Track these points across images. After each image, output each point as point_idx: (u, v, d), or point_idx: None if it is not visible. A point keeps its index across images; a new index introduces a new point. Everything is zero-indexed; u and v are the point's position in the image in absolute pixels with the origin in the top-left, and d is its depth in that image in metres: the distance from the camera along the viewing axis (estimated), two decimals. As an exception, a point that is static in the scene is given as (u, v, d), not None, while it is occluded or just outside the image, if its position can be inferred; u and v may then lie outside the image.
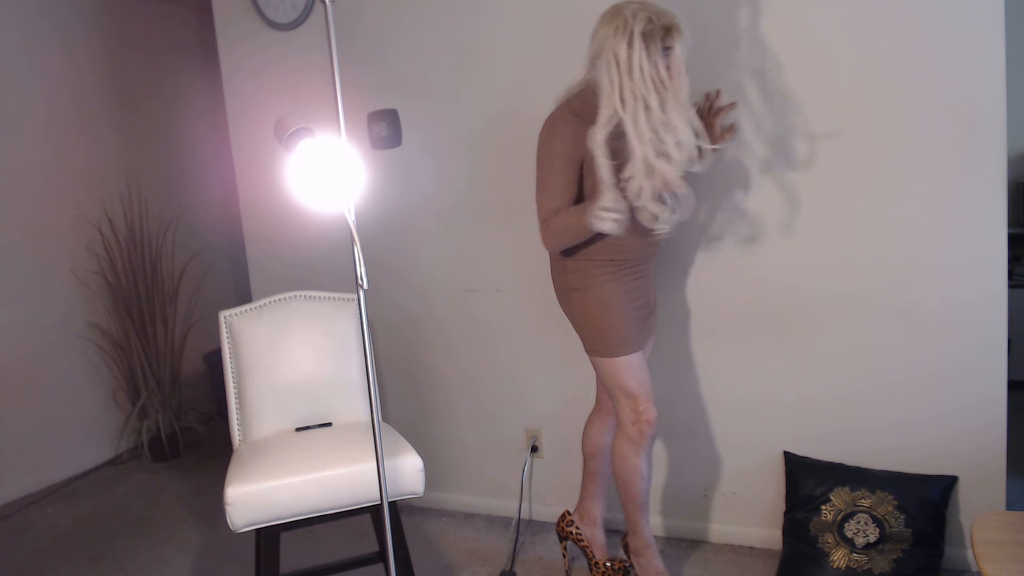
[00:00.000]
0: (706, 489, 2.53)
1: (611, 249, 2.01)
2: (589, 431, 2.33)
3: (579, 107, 1.97)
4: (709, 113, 2.18)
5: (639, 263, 2.08)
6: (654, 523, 2.57)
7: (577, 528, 2.35)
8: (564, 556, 2.42)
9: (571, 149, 1.94)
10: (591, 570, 2.33)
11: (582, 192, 2.00)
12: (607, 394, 2.19)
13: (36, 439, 3.43)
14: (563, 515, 2.40)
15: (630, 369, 2.05)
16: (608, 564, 2.30)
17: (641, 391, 2.05)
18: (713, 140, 2.17)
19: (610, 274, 2.03)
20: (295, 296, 2.30)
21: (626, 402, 2.06)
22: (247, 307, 2.28)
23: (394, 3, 2.66)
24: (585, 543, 2.34)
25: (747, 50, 2.24)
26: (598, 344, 2.07)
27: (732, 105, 2.16)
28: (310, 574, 2.18)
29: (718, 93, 2.19)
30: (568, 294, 2.11)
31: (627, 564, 2.31)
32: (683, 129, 1.86)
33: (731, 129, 2.17)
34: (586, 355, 2.59)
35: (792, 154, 2.25)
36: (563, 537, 2.39)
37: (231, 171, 3.13)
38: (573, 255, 2.06)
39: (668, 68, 1.86)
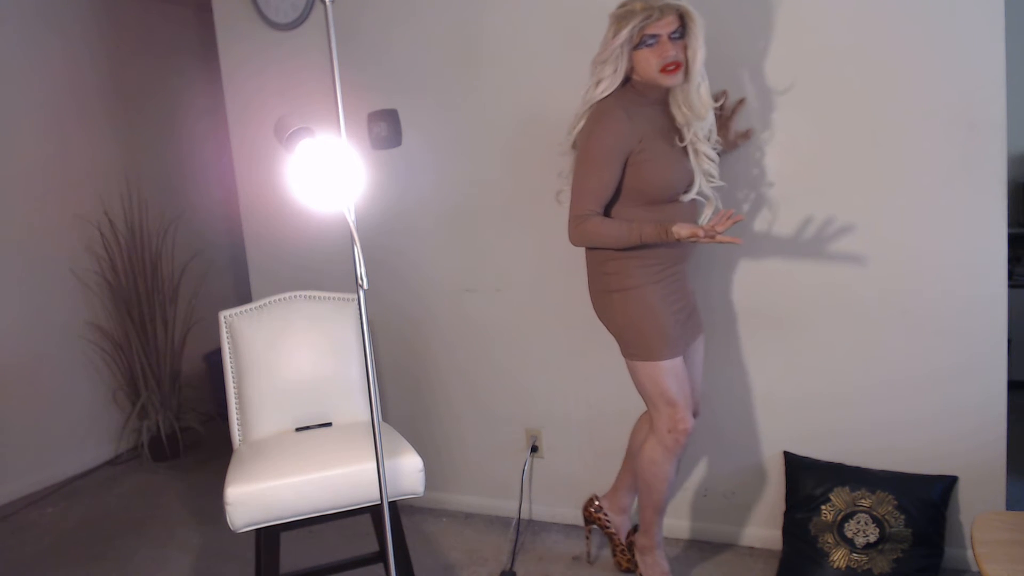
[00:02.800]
0: (706, 489, 2.53)
1: (655, 249, 1.97)
2: (641, 430, 2.27)
3: (622, 100, 1.94)
4: (721, 116, 2.17)
5: (677, 263, 2.04)
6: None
7: (605, 514, 2.35)
8: (587, 539, 2.44)
9: (621, 143, 1.90)
10: (615, 555, 2.34)
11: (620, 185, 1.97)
12: (643, 399, 2.12)
13: (36, 439, 3.43)
14: (591, 499, 2.39)
15: (673, 374, 2.01)
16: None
17: (682, 399, 2.01)
18: (728, 144, 2.18)
19: (654, 275, 1.99)
20: (295, 296, 2.30)
21: (666, 410, 2.02)
22: (247, 307, 2.28)
23: (394, 3, 2.66)
24: (612, 530, 2.35)
25: (746, 49, 2.23)
26: (640, 348, 2.01)
27: (741, 102, 2.16)
28: (310, 574, 2.18)
29: (724, 94, 2.19)
30: (608, 296, 2.04)
31: None
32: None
33: (747, 134, 2.17)
34: (587, 355, 2.59)
35: (792, 154, 2.25)
36: (589, 521, 2.39)
37: (231, 171, 3.13)
38: (614, 256, 2.00)
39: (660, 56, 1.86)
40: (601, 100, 1.93)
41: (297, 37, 2.83)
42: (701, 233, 1.84)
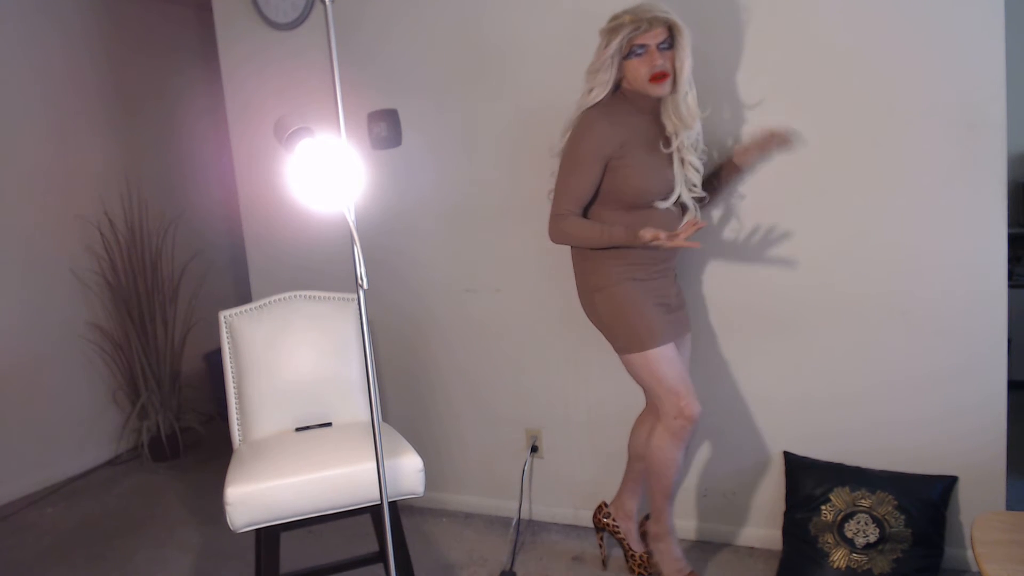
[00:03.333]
0: (706, 489, 2.53)
1: (633, 249, 2.04)
2: (639, 431, 2.31)
3: (611, 107, 2.01)
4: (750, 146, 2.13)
5: (658, 263, 2.09)
6: (654, 523, 2.58)
7: (615, 520, 2.37)
8: (600, 547, 2.45)
9: (600, 148, 1.99)
10: (627, 561, 2.36)
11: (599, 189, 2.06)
12: (646, 393, 2.20)
13: (36, 439, 3.43)
14: (599, 507, 2.41)
15: (666, 361, 2.05)
16: (644, 556, 2.34)
17: (682, 384, 2.05)
18: (751, 154, 2.15)
19: (634, 272, 2.05)
20: (295, 296, 2.30)
21: (668, 397, 2.06)
22: (247, 307, 2.28)
23: (394, 3, 2.66)
24: (622, 535, 2.36)
25: (746, 49, 2.24)
26: (631, 339, 2.07)
27: (780, 137, 2.08)
28: (310, 574, 2.18)
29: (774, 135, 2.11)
30: (591, 295, 2.12)
31: None
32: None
33: (782, 138, 2.08)
34: (587, 355, 2.59)
35: (791, 154, 2.25)
36: (599, 528, 2.41)
37: (231, 171, 3.13)
38: (596, 255, 2.08)
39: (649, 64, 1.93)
40: (589, 108, 2.02)
41: (297, 37, 2.83)
42: (663, 236, 1.92)
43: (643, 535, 2.34)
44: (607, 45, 1.95)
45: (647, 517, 2.33)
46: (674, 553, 2.21)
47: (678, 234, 1.93)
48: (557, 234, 2.07)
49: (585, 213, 2.08)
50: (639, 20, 1.91)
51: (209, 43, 3.43)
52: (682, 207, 2.08)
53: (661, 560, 2.23)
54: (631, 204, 2.03)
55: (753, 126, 2.24)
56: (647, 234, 1.93)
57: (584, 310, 2.18)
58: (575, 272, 2.17)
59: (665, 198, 2.04)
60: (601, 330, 2.14)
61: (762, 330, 2.37)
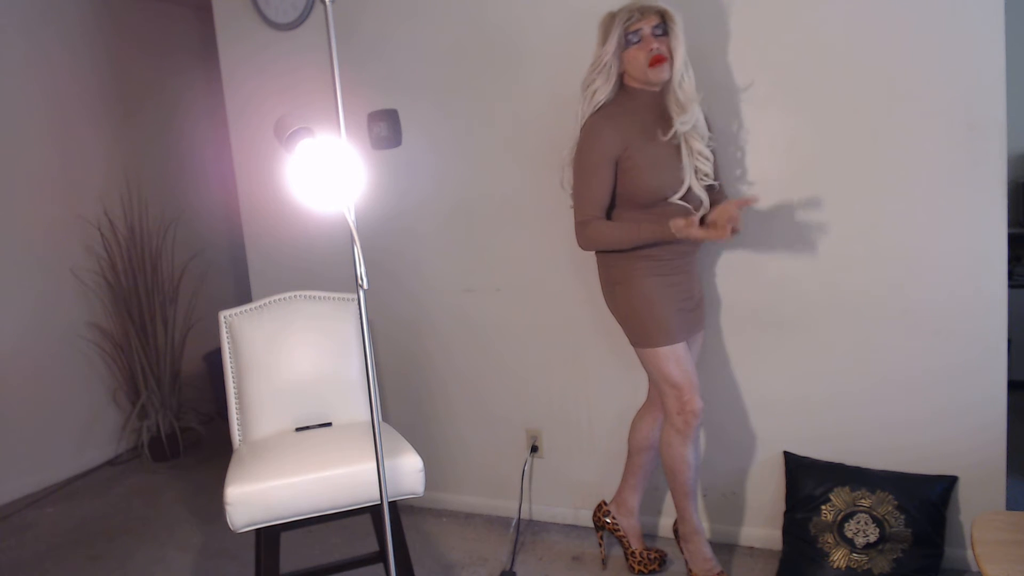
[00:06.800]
0: (706, 489, 2.53)
1: (652, 245, 2.07)
2: (639, 425, 2.34)
3: (613, 110, 2.04)
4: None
5: (680, 258, 2.12)
6: (656, 522, 2.58)
7: (614, 518, 2.39)
8: (600, 546, 2.45)
9: (606, 151, 2.02)
10: (627, 559, 2.37)
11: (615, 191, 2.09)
12: (654, 386, 2.24)
13: (36, 439, 3.44)
14: (599, 505, 2.43)
15: (674, 359, 2.09)
16: (644, 553, 2.35)
17: (685, 381, 2.08)
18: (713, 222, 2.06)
19: (655, 268, 2.08)
20: (295, 296, 2.30)
21: (671, 393, 2.10)
22: (247, 307, 2.28)
23: (394, 3, 2.66)
24: (622, 533, 2.38)
25: (746, 50, 2.24)
26: (642, 335, 2.11)
27: (748, 201, 2.07)
28: (310, 574, 2.18)
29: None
30: (612, 288, 2.16)
31: (664, 553, 2.38)
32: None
33: (747, 201, 2.06)
34: (586, 354, 2.60)
35: (792, 155, 2.25)
36: (599, 527, 2.42)
37: (231, 171, 3.13)
38: (616, 251, 2.11)
39: (646, 51, 1.97)
40: (592, 114, 2.05)
41: (297, 37, 2.83)
42: (695, 224, 1.95)
43: (675, 532, 2.35)
44: (604, 43, 2.00)
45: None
46: (703, 552, 2.22)
47: (707, 223, 1.97)
48: (585, 240, 2.09)
49: (607, 218, 2.11)
50: (631, 11, 1.97)
51: (209, 43, 3.43)
52: (699, 203, 2.08)
53: (691, 559, 2.24)
54: (646, 203, 2.05)
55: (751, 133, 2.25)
56: (679, 222, 1.96)
57: (605, 300, 2.21)
58: (598, 263, 2.20)
59: (677, 191, 2.05)
60: (618, 321, 2.18)
61: (763, 330, 2.37)
